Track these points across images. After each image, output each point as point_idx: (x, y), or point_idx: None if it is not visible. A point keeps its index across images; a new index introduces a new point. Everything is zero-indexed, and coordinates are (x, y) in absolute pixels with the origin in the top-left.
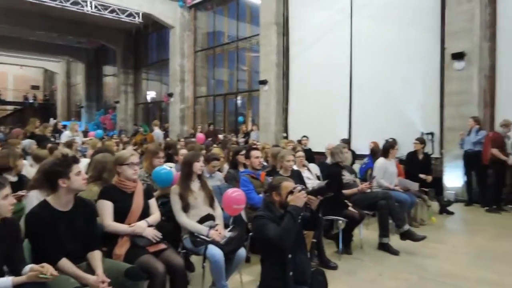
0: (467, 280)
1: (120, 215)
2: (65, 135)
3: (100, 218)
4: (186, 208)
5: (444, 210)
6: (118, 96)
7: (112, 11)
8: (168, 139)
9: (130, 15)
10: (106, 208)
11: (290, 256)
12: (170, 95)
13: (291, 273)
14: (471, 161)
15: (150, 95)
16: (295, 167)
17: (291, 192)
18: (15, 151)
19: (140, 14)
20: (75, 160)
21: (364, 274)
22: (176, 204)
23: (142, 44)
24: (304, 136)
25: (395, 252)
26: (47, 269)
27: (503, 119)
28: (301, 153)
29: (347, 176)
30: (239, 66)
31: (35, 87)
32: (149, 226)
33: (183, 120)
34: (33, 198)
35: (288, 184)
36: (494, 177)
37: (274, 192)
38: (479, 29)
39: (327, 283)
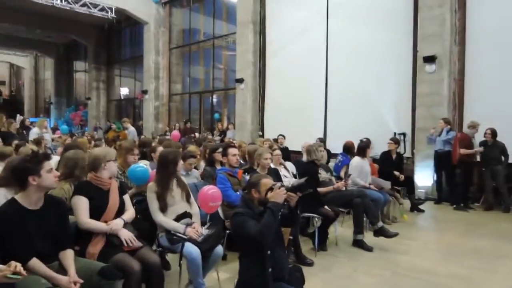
0: (438, 275)
1: (96, 213)
2: (34, 132)
3: (75, 214)
4: (164, 208)
5: (415, 208)
6: (90, 92)
7: (84, 5)
8: (142, 136)
9: (102, 9)
10: (82, 204)
11: (269, 252)
12: (144, 92)
13: (270, 270)
14: (441, 161)
15: (123, 91)
16: (272, 165)
17: (270, 189)
18: None
19: (113, 9)
20: (46, 157)
21: (339, 270)
22: (153, 202)
23: (115, 39)
24: (281, 135)
25: (369, 249)
26: (15, 267)
27: (470, 121)
28: (278, 151)
29: (323, 174)
30: (215, 64)
31: (0, 82)
32: (124, 223)
33: (157, 117)
34: (1, 196)
35: (267, 181)
36: (462, 176)
37: (253, 189)
38: (449, 33)
39: (304, 280)
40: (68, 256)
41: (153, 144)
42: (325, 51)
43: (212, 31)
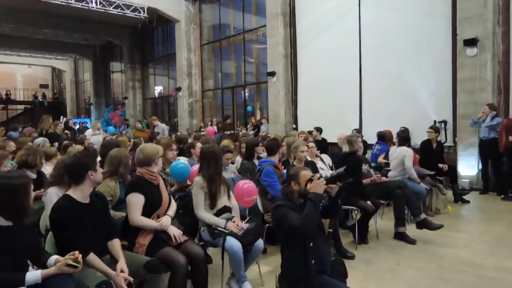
0: (487, 268)
1: (152, 208)
2: (89, 133)
3: (128, 211)
4: (213, 204)
5: (459, 198)
6: (126, 92)
7: (117, 7)
8: (178, 133)
9: (135, 10)
10: (137, 202)
11: (311, 244)
12: (178, 89)
13: (313, 261)
14: (487, 149)
15: (158, 89)
16: (308, 158)
17: (309, 180)
18: (40, 149)
19: (145, 9)
20: (97, 154)
21: (381, 263)
22: (199, 197)
23: (148, 39)
24: (316, 128)
25: (411, 241)
26: (78, 256)
27: None
28: (312, 144)
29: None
30: (246, 58)
31: (44, 86)
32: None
33: (191, 114)
34: (53, 194)
35: (307, 173)
36: (509, 165)
37: (293, 181)
38: (492, 14)
39: (347, 273)
40: (116, 245)
41: (190, 141)
42: (358, 39)
43: (242, 25)
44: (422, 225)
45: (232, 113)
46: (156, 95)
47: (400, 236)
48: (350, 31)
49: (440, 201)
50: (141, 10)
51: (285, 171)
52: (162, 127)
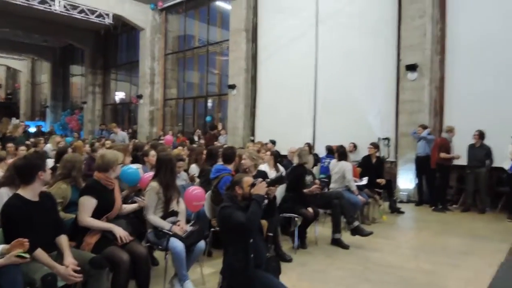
0: (406, 269)
1: (104, 211)
2: (48, 148)
3: (79, 212)
4: (167, 208)
5: (394, 209)
6: (86, 96)
7: (81, 11)
8: (136, 140)
9: (99, 15)
10: (89, 205)
11: (251, 241)
12: (140, 96)
13: (252, 255)
14: (422, 165)
15: (119, 96)
16: (265, 168)
17: (253, 185)
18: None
19: (110, 15)
20: (47, 156)
21: (316, 265)
22: (151, 200)
23: (112, 44)
24: (271, 141)
25: (345, 247)
26: (26, 245)
27: (447, 126)
28: (262, 154)
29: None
30: (210, 70)
31: None
32: (119, 220)
33: (152, 122)
34: (4, 194)
35: (249, 179)
36: (440, 179)
37: (237, 186)
38: (430, 43)
39: (280, 269)
40: (63, 241)
41: (145, 148)
42: (315, 58)
43: (207, 37)
44: (355, 231)
45: (192, 123)
46: (117, 101)
47: (336, 242)
48: (307, 50)
49: (377, 211)
50: (106, 16)
51: None
52: (122, 135)
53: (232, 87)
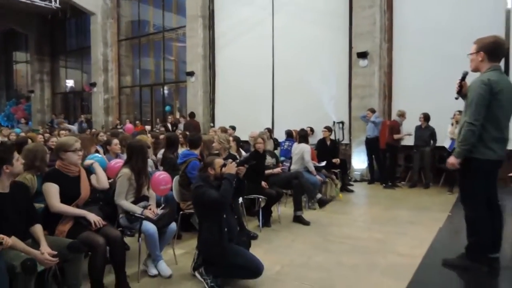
0: (360, 239)
1: (68, 199)
2: None
3: (47, 200)
4: (138, 194)
5: (345, 188)
6: (33, 85)
7: None
8: (93, 130)
9: None
10: (53, 190)
11: (225, 216)
12: (93, 84)
13: (226, 230)
14: (371, 146)
15: (70, 84)
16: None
17: (223, 166)
18: None
19: None
20: (14, 148)
21: (280, 241)
22: (122, 186)
23: (60, 30)
24: (230, 127)
25: (306, 223)
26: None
27: (398, 110)
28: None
29: (268, 159)
30: (166, 56)
31: None
32: (91, 207)
33: (107, 111)
34: None
35: (220, 160)
36: (389, 159)
37: (209, 167)
38: (379, 31)
39: (250, 243)
40: (38, 230)
41: (100, 136)
42: (271, 45)
43: (162, 23)
44: (320, 203)
45: (150, 111)
46: (68, 90)
47: (298, 219)
48: (264, 37)
49: (334, 190)
50: (53, 0)
51: None
52: (72, 129)
53: (191, 74)
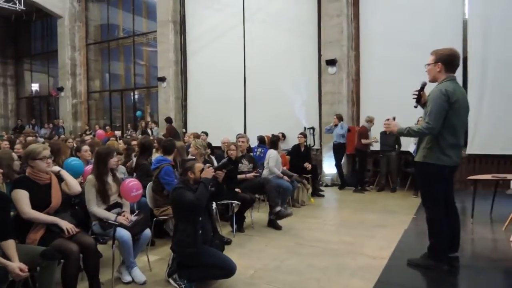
0: (330, 242)
1: (37, 206)
2: None
3: (17, 207)
4: (104, 199)
5: (315, 193)
6: None
7: None
8: (62, 136)
9: (9, 0)
10: (23, 197)
11: (200, 218)
12: (60, 89)
13: (200, 231)
14: (337, 151)
15: (35, 87)
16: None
17: (202, 170)
18: None
19: (22, 0)
20: None
21: (253, 246)
22: (90, 193)
23: (24, 32)
24: (203, 132)
25: (278, 227)
26: None
27: (367, 116)
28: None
29: (244, 164)
30: (136, 61)
31: None
32: (63, 214)
33: (75, 116)
34: None
35: (200, 165)
36: (358, 164)
37: (189, 171)
38: (346, 40)
39: (223, 247)
40: (10, 246)
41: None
42: (243, 52)
43: (132, 28)
44: (278, 215)
45: (120, 117)
46: (33, 94)
47: (272, 223)
48: (236, 43)
49: (305, 195)
50: (17, 2)
51: None
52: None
53: (162, 79)
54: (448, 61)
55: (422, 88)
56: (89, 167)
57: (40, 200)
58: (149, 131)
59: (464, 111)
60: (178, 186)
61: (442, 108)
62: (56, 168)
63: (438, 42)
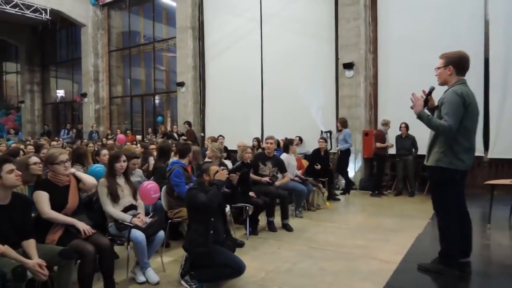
0: (344, 246)
1: (55, 207)
2: None
3: (38, 207)
4: (114, 198)
5: (331, 197)
6: (23, 95)
7: (15, 6)
8: (85, 140)
9: (36, 10)
10: (43, 197)
11: (212, 219)
12: (84, 95)
13: (211, 232)
14: (341, 158)
15: (60, 94)
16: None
17: (217, 172)
18: None
19: (48, 11)
20: (6, 160)
21: (266, 248)
22: (103, 194)
23: (50, 40)
24: (220, 135)
25: (290, 229)
26: None
27: (383, 119)
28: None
29: (268, 166)
30: (157, 66)
31: None
32: (80, 215)
33: (98, 121)
34: None
35: (215, 167)
36: (376, 168)
37: (205, 173)
38: (364, 43)
39: (235, 248)
40: (31, 245)
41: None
42: (260, 56)
43: (153, 34)
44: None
45: (141, 121)
46: (58, 100)
47: (285, 227)
48: (253, 48)
49: (321, 199)
50: (43, 12)
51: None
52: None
53: (181, 84)
54: (459, 64)
55: (430, 92)
56: None
57: (57, 202)
58: (175, 135)
59: (476, 115)
60: (193, 187)
61: (459, 110)
62: (72, 169)
63: (458, 44)
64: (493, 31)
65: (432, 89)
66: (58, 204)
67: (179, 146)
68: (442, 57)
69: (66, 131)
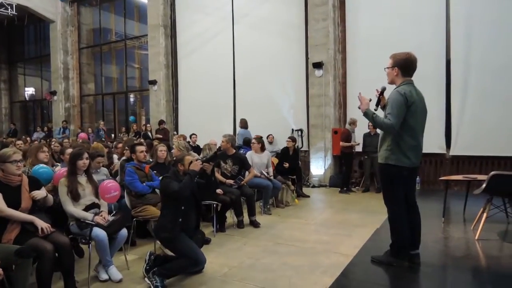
0: (308, 242)
1: (10, 208)
2: None
3: None
4: (75, 197)
5: (299, 194)
6: None
7: None
8: (54, 139)
9: (1, 5)
10: None
11: (183, 208)
12: (53, 93)
13: (180, 220)
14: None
15: (29, 92)
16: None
17: (191, 163)
18: None
19: (14, 6)
20: None
21: (231, 245)
22: (63, 194)
23: (17, 37)
24: (193, 134)
25: (259, 227)
26: None
27: (350, 118)
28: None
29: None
30: (129, 64)
31: None
32: (39, 213)
33: (68, 119)
34: None
35: (189, 157)
36: (344, 165)
37: (179, 163)
38: (333, 43)
39: (204, 242)
40: None
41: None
42: (232, 55)
43: (124, 31)
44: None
45: (113, 119)
46: (27, 98)
47: (252, 223)
48: (225, 47)
49: (289, 196)
50: (9, 7)
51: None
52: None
53: (153, 82)
54: (404, 65)
55: (382, 92)
56: (62, 171)
57: (11, 202)
58: (149, 134)
59: (422, 114)
60: (167, 176)
61: (401, 108)
62: (43, 193)
63: (422, 46)
64: (454, 33)
65: (384, 89)
66: (11, 205)
67: (129, 143)
68: (391, 58)
69: (61, 129)
